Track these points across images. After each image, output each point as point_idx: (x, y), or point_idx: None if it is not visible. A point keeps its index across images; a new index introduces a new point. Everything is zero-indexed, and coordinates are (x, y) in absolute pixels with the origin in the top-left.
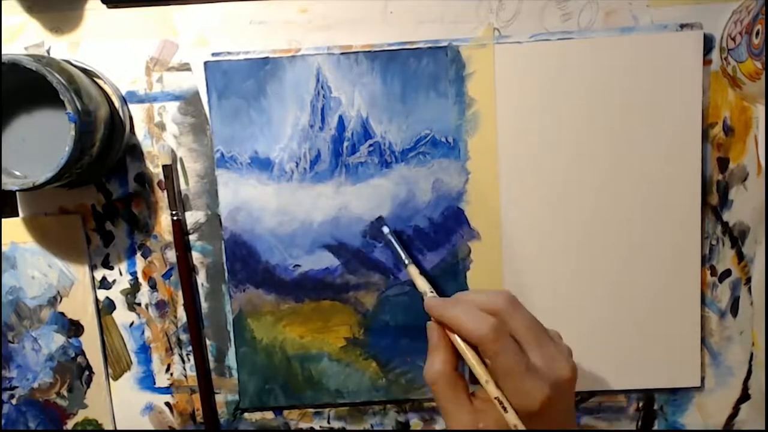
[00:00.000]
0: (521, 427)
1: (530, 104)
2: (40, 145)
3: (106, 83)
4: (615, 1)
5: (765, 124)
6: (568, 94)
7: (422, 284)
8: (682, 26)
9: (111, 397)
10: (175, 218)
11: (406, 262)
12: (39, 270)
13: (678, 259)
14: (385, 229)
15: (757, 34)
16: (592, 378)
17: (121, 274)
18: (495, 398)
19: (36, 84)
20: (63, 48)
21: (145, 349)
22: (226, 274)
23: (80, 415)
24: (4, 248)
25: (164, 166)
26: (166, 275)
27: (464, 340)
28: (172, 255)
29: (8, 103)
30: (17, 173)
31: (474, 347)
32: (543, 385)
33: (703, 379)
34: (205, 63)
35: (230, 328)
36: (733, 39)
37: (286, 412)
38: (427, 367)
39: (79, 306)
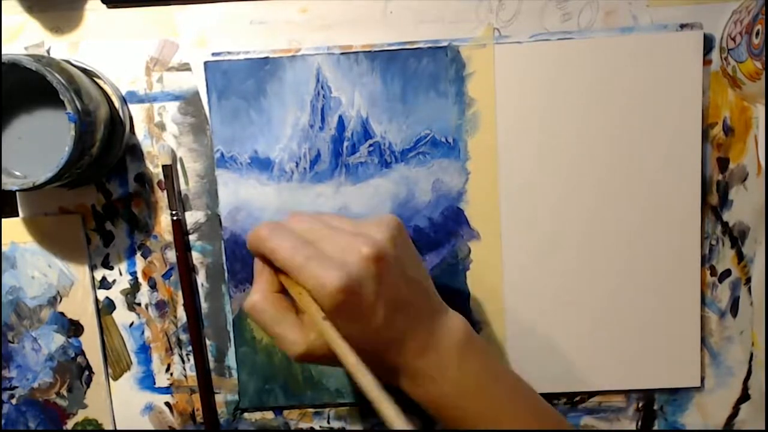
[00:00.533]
0: (321, 317)
1: (530, 104)
2: (40, 145)
3: (106, 83)
4: (615, 1)
5: (765, 124)
6: (568, 94)
7: None
8: (682, 26)
9: (111, 397)
10: (175, 218)
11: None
12: (39, 270)
13: (678, 259)
14: None
15: (757, 34)
16: (592, 378)
17: (121, 274)
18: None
19: (36, 84)
20: (63, 48)
21: (145, 349)
22: (226, 274)
23: (80, 415)
24: (4, 248)
25: (164, 166)
26: (166, 275)
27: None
28: (172, 255)
29: (8, 103)
30: (17, 173)
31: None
32: (333, 271)
33: (703, 379)
34: (205, 63)
35: (230, 328)
36: (733, 39)
37: (286, 412)
38: (247, 297)
39: (79, 306)
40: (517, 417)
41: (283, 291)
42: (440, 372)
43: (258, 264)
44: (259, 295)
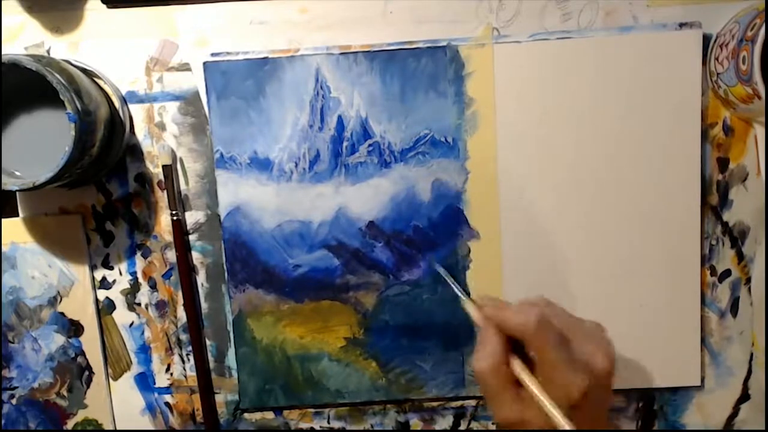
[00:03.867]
0: (561, 420)
1: (529, 104)
2: (40, 145)
3: (106, 83)
4: (615, 0)
5: (765, 142)
6: (568, 93)
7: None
8: (682, 25)
9: (111, 397)
10: (175, 218)
11: (463, 297)
12: (39, 270)
13: (678, 259)
14: (441, 270)
15: (744, 60)
16: None
17: (121, 274)
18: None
19: (36, 84)
20: (63, 48)
21: (145, 349)
22: (226, 274)
23: (80, 415)
24: (4, 248)
25: (164, 166)
26: (166, 275)
27: (511, 337)
28: (172, 255)
29: (8, 103)
30: (17, 173)
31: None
32: (583, 377)
33: (703, 379)
34: (204, 63)
35: (230, 328)
36: (721, 63)
37: (286, 412)
38: (476, 358)
39: (79, 306)
40: None
41: (507, 362)
42: None
43: (490, 329)
44: (491, 363)
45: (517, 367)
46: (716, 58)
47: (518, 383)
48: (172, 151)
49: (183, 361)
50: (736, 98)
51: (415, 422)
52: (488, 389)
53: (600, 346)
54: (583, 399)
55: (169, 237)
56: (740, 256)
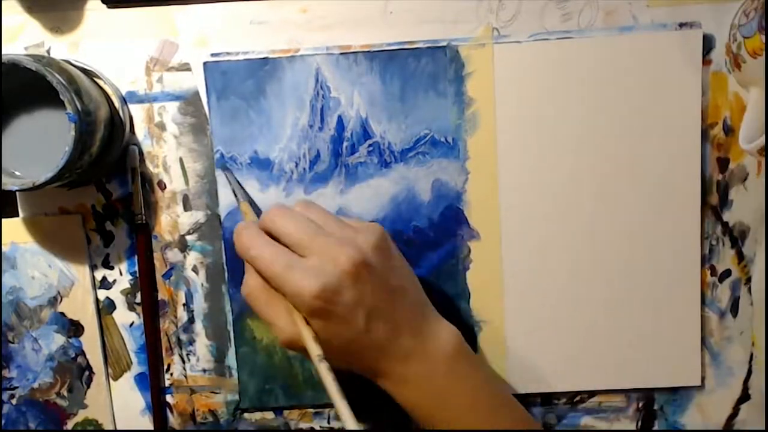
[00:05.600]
0: (305, 330)
1: (530, 104)
2: (40, 145)
3: (106, 83)
4: (615, 0)
5: (765, 104)
6: (568, 93)
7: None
8: (682, 25)
9: (111, 397)
10: (139, 222)
11: (241, 200)
12: (39, 270)
13: (678, 259)
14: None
15: None
16: (592, 378)
17: (121, 274)
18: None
19: (36, 84)
20: (63, 48)
21: (145, 349)
22: (226, 274)
23: (80, 415)
24: (4, 248)
25: (132, 169)
26: (166, 275)
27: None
28: (172, 255)
29: (8, 103)
30: (17, 173)
31: None
32: (310, 280)
33: (703, 379)
34: (204, 63)
35: (230, 328)
36: (747, 15)
37: (286, 412)
38: (243, 283)
39: (79, 306)
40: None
41: None
42: (425, 380)
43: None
44: (254, 281)
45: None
46: (744, 11)
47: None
48: (139, 153)
49: (183, 361)
50: (747, 51)
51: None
52: (258, 306)
53: (342, 243)
54: (321, 301)
55: (169, 237)
56: (740, 256)
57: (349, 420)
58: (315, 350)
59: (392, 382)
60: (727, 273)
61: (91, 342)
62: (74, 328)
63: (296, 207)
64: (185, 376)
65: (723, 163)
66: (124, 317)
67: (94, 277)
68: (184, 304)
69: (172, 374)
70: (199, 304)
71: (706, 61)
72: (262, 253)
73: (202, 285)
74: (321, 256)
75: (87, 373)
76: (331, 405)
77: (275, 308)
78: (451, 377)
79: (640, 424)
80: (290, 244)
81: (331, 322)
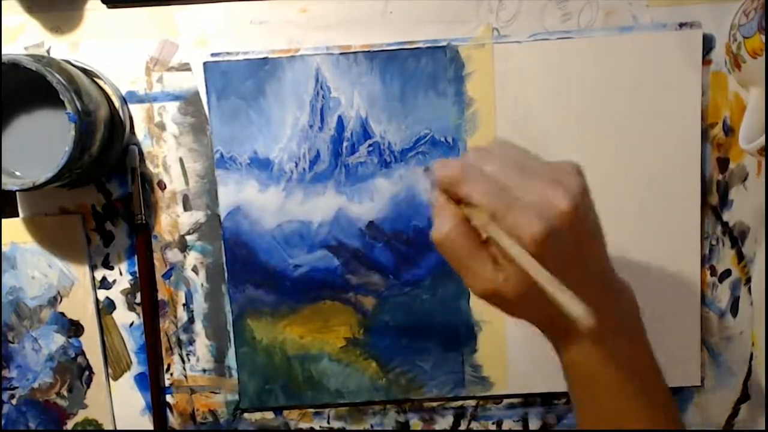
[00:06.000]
0: (526, 257)
1: (530, 104)
2: (40, 145)
3: (106, 83)
4: (615, 0)
5: (765, 104)
6: (567, 93)
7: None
8: (682, 25)
9: (111, 397)
10: (139, 222)
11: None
12: (39, 270)
13: (678, 259)
14: None
15: None
16: None
17: (121, 274)
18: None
19: (36, 84)
20: (63, 48)
21: (145, 349)
22: (226, 274)
23: (80, 415)
24: (4, 248)
25: (132, 168)
26: (166, 275)
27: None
28: (172, 255)
29: (8, 103)
30: (17, 173)
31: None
32: (532, 220)
33: (703, 379)
34: (204, 63)
35: (230, 328)
36: (747, 15)
37: (286, 412)
38: (436, 225)
39: (79, 306)
40: (650, 413)
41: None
42: (607, 339)
43: (440, 197)
44: (452, 225)
45: (476, 220)
46: (744, 11)
47: (486, 241)
48: (139, 153)
49: (183, 361)
50: (747, 51)
51: (415, 422)
52: (457, 254)
53: (564, 186)
54: (540, 246)
55: (169, 237)
56: (740, 256)
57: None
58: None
59: (569, 337)
60: (727, 273)
61: (91, 342)
62: (74, 328)
63: (494, 148)
64: (185, 376)
65: (723, 163)
66: (124, 317)
67: (94, 277)
68: (184, 304)
69: (172, 374)
70: (199, 304)
71: (706, 61)
72: (477, 188)
73: (202, 285)
74: (536, 196)
75: (87, 373)
76: (330, 405)
77: (479, 256)
78: (628, 339)
79: None
80: (501, 182)
81: (544, 265)
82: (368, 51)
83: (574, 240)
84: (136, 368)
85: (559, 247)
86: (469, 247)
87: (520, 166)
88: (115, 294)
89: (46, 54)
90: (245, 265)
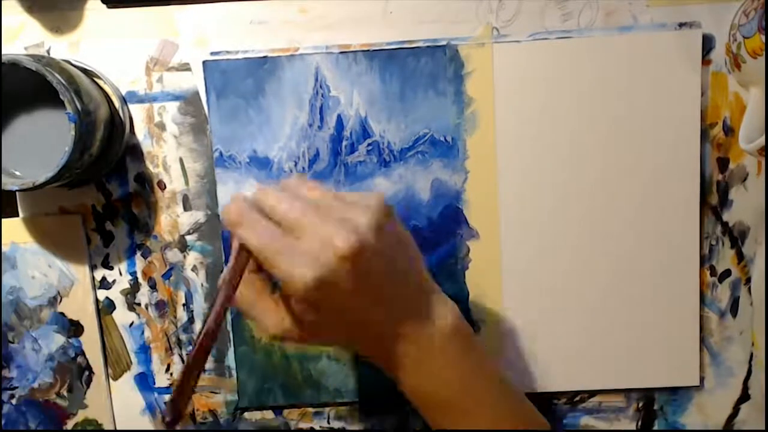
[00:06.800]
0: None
1: (529, 103)
2: (40, 145)
3: (106, 83)
4: (615, 0)
5: (765, 104)
6: (567, 93)
7: None
8: (681, 25)
9: (111, 397)
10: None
11: None
12: (39, 270)
13: (677, 259)
14: None
15: None
16: (592, 378)
17: (121, 274)
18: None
19: (36, 84)
20: (63, 48)
21: (145, 349)
22: None
23: (80, 415)
24: (4, 248)
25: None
26: (166, 275)
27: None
28: (172, 255)
29: (8, 103)
30: (17, 173)
31: None
32: (303, 269)
33: (702, 379)
34: (204, 62)
35: (229, 328)
36: (746, 15)
37: (286, 412)
38: (221, 275)
39: (79, 306)
40: (497, 416)
41: (259, 268)
42: (423, 361)
43: (235, 241)
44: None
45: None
46: (744, 11)
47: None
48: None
49: (183, 361)
50: (747, 52)
51: (415, 422)
52: (243, 302)
53: (343, 224)
54: (316, 292)
55: (169, 237)
56: (740, 256)
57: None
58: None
59: (393, 365)
60: (727, 273)
61: (91, 342)
62: (74, 328)
63: (290, 182)
64: None
65: (723, 163)
66: (124, 317)
67: (94, 277)
68: (183, 304)
69: (171, 374)
70: (199, 304)
71: (706, 61)
72: (252, 234)
73: (201, 285)
74: (315, 240)
75: (87, 373)
76: (330, 405)
77: (259, 305)
78: (448, 356)
79: (640, 424)
80: (283, 223)
81: (329, 306)
82: (368, 50)
83: (361, 279)
84: (136, 368)
85: (342, 289)
86: (253, 297)
87: (308, 207)
88: (115, 294)
89: (46, 54)
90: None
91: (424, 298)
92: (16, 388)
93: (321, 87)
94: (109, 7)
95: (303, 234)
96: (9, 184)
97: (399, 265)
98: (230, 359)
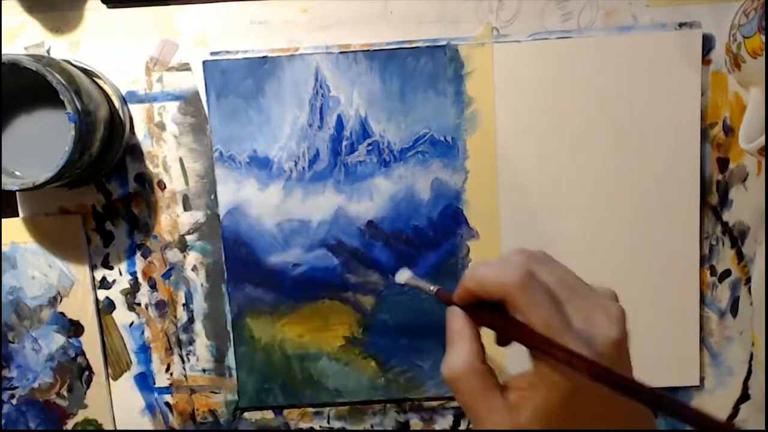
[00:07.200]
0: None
1: (529, 103)
2: (40, 145)
3: (106, 83)
4: (615, 0)
5: (765, 104)
6: (567, 92)
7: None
8: (681, 25)
9: (111, 397)
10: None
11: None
12: (39, 270)
13: (677, 259)
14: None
15: None
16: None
17: (121, 274)
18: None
19: (36, 84)
20: (63, 48)
21: (144, 349)
22: (226, 274)
23: (80, 415)
24: (4, 248)
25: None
26: (166, 275)
27: (490, 299)
28: (171, 255)
29: (8, 103)
30: (17, 173)
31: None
32: (582, 347)
33: (702, 379)
34: (204, 62)
35: (230, 328)
36: (746, 15)
37: (286, 412)
38: (448, 359)
39: (79, 306)
40: None
41: (484, 359)
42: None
43: (459, 318)
44: (465, 363)
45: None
46: (744, 11)
47: (502, 386)
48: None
49: (183, 361)
50: (747, 52)
51: (415, 422)
52: (467, 395)
53: (605, 311)
54: (606, 357)
55: (169, 237)
56: (740, 256)
57: None
58: None
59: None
60: (727, 273)
61: (91, 342)
62: (74, 328)
63: (537, 264)
64: (185, 376)
65: (723, 163)
66: (124, 317)
67: (94, 277)
68: (183, 304)
69: (172, 374)
70: (199, 304)
71: (706, 61)
72: (542, 305)
73: (201, 285)
74: (587, 323)
75: (87, 373)
76: (330, 404)
77: (490, 400)
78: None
79: None
80: (557, 301)
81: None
82: (368, 50)
83: (620, 366)
84: (136, 368)
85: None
86: (483, 393)
87: (570, 285)
88: (115, 294)
89: (46, 54)
90: (244, 263)
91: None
92: (17, 388)
93: (321, 87)
94: (109, 7)
95: (573, 313)
96: (9, 184)
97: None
98: (230, 359)
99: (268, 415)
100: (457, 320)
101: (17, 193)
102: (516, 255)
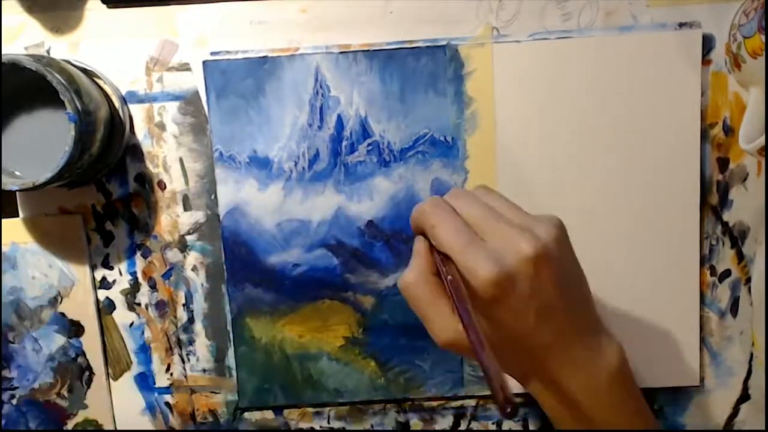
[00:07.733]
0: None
1: (529, 103)
2: (40, 145)
3: (106, 83)
4: (615, 0)
5: (765, 104)
6: (567, 93)
7: None
8: (681, 25)
9: (111, 397)
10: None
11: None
12: (39, 270)
13: (677, 259)
14: None
15: None
16: None
17: (121, 274)
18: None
19: (36, 84)
20: (63, 48)
21: (145, 349)
22: (226, 274)
23: (80, 416)
24: (4, 248)
25: None
26: (166, 275)
27: (419, 232)
28: (172, 255)
29: (8, 103)
30: (17, 173)
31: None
32: (489, 263)
33: (703, 379)
34: (204, 62)
35: (230, 328)
36: (746, 14)
37: (286, 412)
38: (404, 273)
39: (80, 306)
40: None
41: (437, 273)
42: (585, 394)
43: (418, 242)
44: (415, 274)
45: (439, 262)
46: (744, 11)
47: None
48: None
49: (183, 361)
50: (747, 52)
51: (415, 422)
52: (418, 302)
53: (526, 231)
54: (493, 289)
55: (169, 237)
56: (740, 256)
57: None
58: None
59: (548, 388)
60: (727, 273)
61: (91, 342)
62: (74, 329)
63: (476, 191)
64: (185, 376)
65: (723, 163)
66: (124, 317)
67: (94, 277)
68: (183, 304)
69: (172, 374)
70: (199, 304)
71: (706, 61)
72: (444, 224)
73: (201, 285)
74: (502, 241)
75: (87, 373)
76: (330, 404)
77: (437, 306)
78: (612, 394)
79: None
80: (471, 225)
81: (500, 313)
82: (368, 50)
83: (539, 288)
84: (136, 368)
85: (519, 293)
86: (431, 297)
87: (496, 213)
88: (115, 294)
89: (46, 54)
90: (244, 263)
91: (592, 326)
92: (17, 388)
93: (321, 87)
94: (109, 7)
95: (491, 236)
96: (9, 184)
97: (574, 284)
98: (230, 359)
99: (268, 415)
100: (417, 242)
101: (17, 193)
102: (449, 192)
